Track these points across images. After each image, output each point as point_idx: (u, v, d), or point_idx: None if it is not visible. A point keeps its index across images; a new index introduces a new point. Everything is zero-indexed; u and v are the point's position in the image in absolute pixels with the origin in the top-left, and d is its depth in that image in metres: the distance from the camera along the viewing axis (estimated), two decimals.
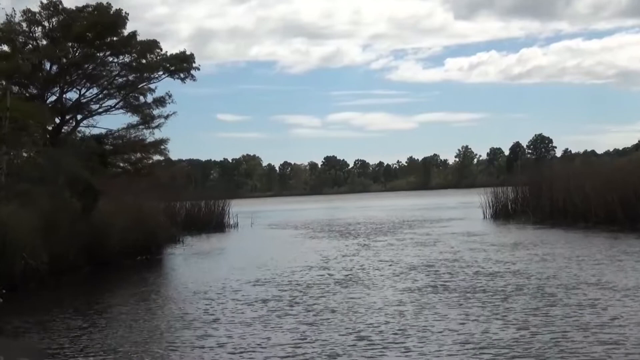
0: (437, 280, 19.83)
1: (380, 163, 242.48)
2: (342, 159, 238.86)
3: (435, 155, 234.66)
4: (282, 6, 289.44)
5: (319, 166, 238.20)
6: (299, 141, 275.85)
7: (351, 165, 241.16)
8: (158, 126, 55.41)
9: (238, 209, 68.36)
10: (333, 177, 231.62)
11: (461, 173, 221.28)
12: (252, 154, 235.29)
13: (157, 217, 34.77)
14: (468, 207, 70.08)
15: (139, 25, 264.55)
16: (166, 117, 55.64)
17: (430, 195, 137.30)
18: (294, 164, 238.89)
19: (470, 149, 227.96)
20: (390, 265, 24.04)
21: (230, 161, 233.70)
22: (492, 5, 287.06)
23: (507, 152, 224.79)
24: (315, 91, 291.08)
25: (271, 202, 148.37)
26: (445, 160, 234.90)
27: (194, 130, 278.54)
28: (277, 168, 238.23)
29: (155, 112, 56.18)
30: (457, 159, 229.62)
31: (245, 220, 55.42)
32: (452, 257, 25.42)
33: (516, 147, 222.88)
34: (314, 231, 43.90)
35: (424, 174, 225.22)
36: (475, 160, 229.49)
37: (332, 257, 27.27)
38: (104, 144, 53.88)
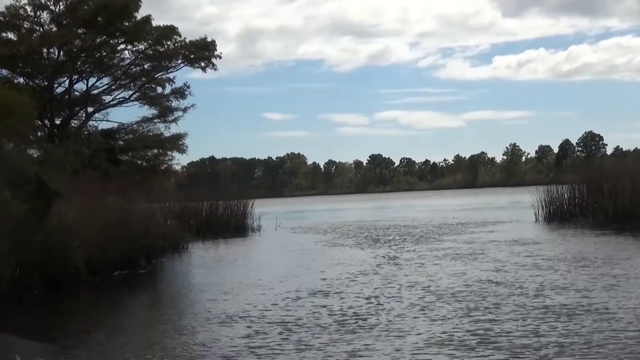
0: (477, 322, 13.62)
1: (427, 161, 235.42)
2: (387, 157, 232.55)
3: (482, 153, 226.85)
4: (331, 5, 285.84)
5: (364, 164, 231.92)
6: (345, 139, 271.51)
7: (397, 163, 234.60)
8: (175, 120, 49.85)
9: (277, 208, 63.02)
10: (378, 176, 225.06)
11: (509, 171, 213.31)
12: (296, 152, 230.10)
13: (148, 221, 28.97)
14: (517, 207, 63.53)
15: (187, 24, 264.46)
16: (184, 110, 50.04)
17: (477, 194, 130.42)
18: (339, 162, 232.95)
19: (518, 146, 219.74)
20: (416, 290, 17.89)
21: (275, 159, 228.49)
22: (540, 2, 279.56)
23: (556, 150, 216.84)
24: (363, 89, 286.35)
25: (313, 201, 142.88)
26: (493, 158, 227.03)
27: (240, 129, 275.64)
28: (321, 166, 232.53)
29: (174, 104, 50.81)
30: (504, 157, 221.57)
31: (272, 222, 49.52)
32: (497, 279, 19.15)
33: (565, 145, 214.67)
34: (341, 237, 37.87)
35: (471, 172, 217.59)
36: (524, 158, 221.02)
37: (346, 277, 21.19)
38: (117, 139, 48.45)
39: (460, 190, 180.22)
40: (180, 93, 50.71)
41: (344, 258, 26.64)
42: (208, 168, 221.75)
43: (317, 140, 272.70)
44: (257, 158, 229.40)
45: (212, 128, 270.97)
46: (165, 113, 50.39)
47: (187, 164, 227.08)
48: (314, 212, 78.68)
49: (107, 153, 44.35)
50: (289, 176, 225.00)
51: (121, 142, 48.17)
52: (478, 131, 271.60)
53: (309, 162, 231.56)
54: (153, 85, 51.27)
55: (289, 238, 39.80)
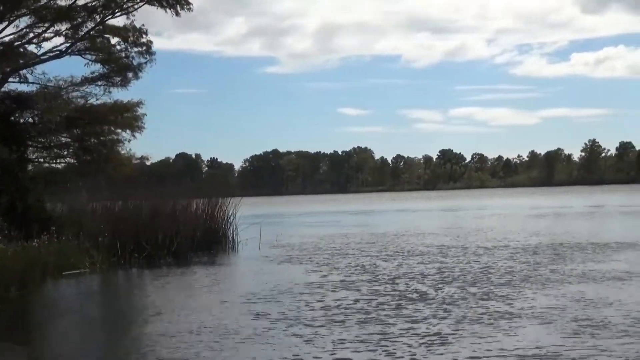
0: None
1: (500, 157, 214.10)
2: (458, 152, 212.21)
3: (559, 149, 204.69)
4: (409, 1, 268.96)
5: (434, 160, 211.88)
6: (418, 136, 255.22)
7: (468, 159, 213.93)
8: (123, 83, 32.33)
9: (322, 207, 45.10)
10: (448, 172, 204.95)
11: (588, 168, 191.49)
12: (363, 147, 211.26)
13: None
14: (609, 212, 45.34)
15: (266, 19, 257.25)
16: (139, 68, 32.47)
17: (554, 193, 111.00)
18: (407, 157, 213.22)
19: (598, 142, 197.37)
20: None
21: (340, 154, 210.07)
22: None
23: (638, 147, 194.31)
24: (439, 86, 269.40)
25: (373, 198, 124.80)
26: (570, 155, 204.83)
27: (313, 123, 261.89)
28: (389, 161, 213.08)
29: (137, 61, 33.40)
30: (583, 154, 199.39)
31: (277, 230, 32.52)
32: None
33: None
34: (345, 276, 19.66)
35: (546, 169, 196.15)
36: (603, 154, 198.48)
37: None
38: (32, 108, 31.04)
39: (535, 188, 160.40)
40: (142, 45, 33.23)
41: None
42: (271, 162, 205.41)
43: (389, 136, 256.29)
44: (322, 152, 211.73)
45: (281, 122, 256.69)
46: (120, 71, 33.02)
47: (250, 157, 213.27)
48: (358, 216, 60.77)
49: None
50: (354, 171, 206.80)
51: (33, 114, 30.67)
52: (553, 128, 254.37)
53: (377, 157, 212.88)
54: (108, 36, 33.93)
55: (244, 277, 21.74)
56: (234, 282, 19.99)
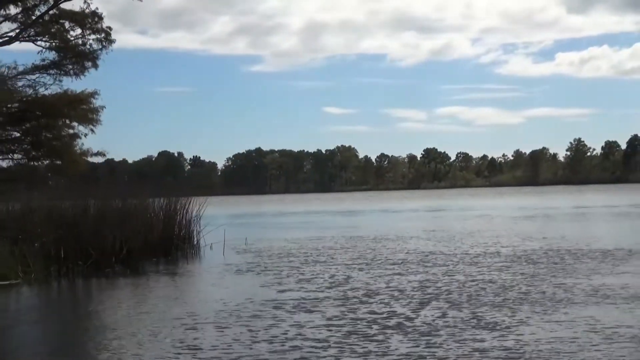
0: None
1: (484, 156, 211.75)
2: (443, 152, 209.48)
3: (544, 148, 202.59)
4: (394, 0, 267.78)
5: (418, 159, 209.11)
6: (401, 135, 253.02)
7: (453, 158, 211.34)
8: (78, 71, 29.34)
9: (301, 207, 42.04)
10: (433, 171, 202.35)
11: (573, 168, 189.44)
12: (347, 145, 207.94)
13: None
14: (598, 213, 42.88)
15: (250, 18, 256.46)
16: (94, 55, 29.50)
17: (541, 193, 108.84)
18: (392, 156, 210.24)
19: (583, 141, 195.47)
20: None
21: (324, 152, 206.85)
22: None
23: (624, 147, 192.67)
24: (424, 85, 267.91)
25: (357, 198, 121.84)
26: (555, 155, 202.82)
27: (298, 122, 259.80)
28: (373, 160, 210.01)
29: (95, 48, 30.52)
30: (568, 153, 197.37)
31: (249, 231, 30.59)
32: None
33: (634, 141, 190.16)
34: (311, 292, 16.69)
35: (531, 169, 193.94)
36: (589, 153, 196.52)
37: None
38: None
39: (520, 187, 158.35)
40: (100, 32, 30.30)
41: None
42: (255, 160, 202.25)
43: (374, 135, 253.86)
44: (305, 150, 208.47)
45: (265, 120, 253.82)
46: (76, 57, 30.06)
47: (233, 155, 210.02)
48: (339, 217, 57.92)
49: None
50: (338, 170, 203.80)
51: None
52: (538, 128, 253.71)
53: (361, 155, 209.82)
54: (63, 21, 30.94)
55: (195, 292, 18.74)
56: (181, 299, 16.90)
